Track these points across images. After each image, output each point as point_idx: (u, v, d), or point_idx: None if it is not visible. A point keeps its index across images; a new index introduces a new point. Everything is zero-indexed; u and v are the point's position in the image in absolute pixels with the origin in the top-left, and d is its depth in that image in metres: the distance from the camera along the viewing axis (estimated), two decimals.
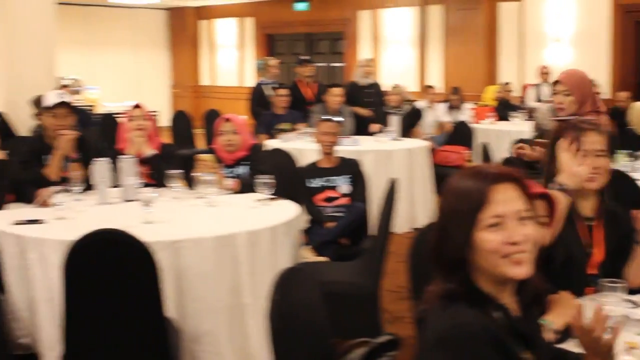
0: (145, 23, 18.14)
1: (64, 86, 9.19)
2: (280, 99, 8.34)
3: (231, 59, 17.38)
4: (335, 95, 8.14)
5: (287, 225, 4.05)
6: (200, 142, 10.16)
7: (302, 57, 9.73)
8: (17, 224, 3.90)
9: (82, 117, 7.64)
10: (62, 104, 4.81)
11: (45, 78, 8.48)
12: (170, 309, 3.47)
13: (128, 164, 4.52)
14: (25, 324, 3.84)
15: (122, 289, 3.16)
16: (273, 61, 9.68)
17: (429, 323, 1.87)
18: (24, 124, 7.78)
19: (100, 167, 4.45)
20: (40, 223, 3.92)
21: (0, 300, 3.95)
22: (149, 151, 4.91)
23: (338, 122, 5.83)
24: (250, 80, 16.69)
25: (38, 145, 4.86)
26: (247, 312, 3.75)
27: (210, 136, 9.51)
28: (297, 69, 9.36)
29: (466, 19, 12.89)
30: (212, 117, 10.17)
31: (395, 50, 14.05)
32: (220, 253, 3.69)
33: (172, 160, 4.92)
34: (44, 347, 3.74)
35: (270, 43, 16.89)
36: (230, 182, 4.78)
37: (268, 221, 3.98)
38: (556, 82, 4.50)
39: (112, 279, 3.15)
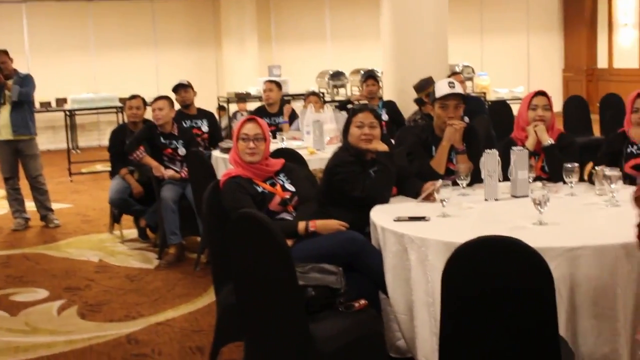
0: (537, 5, 17.53)
1: (455, 73, 8.96)
2: None
3: (630, 38, 16.06)
4: None
5: None
6: (597, 130, 9.36)
7: None
8: (399, 220, 3.66)
9: (475, 104, 7.32)
10: (453, 95, 4.49)
11: (438, 66, 8.32)
12: (561, 327, 2.97)
13: (520, 157, 4.06)
14: (404, 327, 3.60)
15: (509, 301, 2.73)
16: None
17: None
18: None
19: (490, 159, 4.06)
20: (424, 220, 3.63)
21: (379, 300, 3.77)
22: (546, 141, 4.41)
23: None
24: None
25: (425, 136, 4.59)
26: None
27: (605, 122, 8.71)
28: None
29: None
30: (610, 101, 9.34)
31: None
32: (625, 263, 3.10)
33: (569, 152, 4.38)
34: (420, 354, 3.47)
35: None
36: None
37: None
38: None
39: (498, 290, 2.73)
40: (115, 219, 7.15)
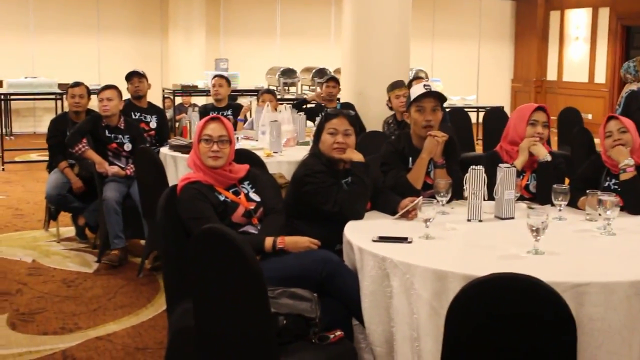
0: (491, 13, 17.41)
1: (418, 78, 8.65)
2: None
3: (581, 52, 16.04)
4: None
5: None
6: (554, 142, 9.15)
7: None
8: (378, 240, 3.29)
9: None
10: (429, 94, 4.14)
11: (399, 68, 8.01)
12: None
13: (508, 175, 3.74)
14: None
15: (525, 345, 2.41)
16: None
17: None
18: (376, 116, 7.37)
19: (475, 176, 3.73)
20: (406, 242, 3.27)
21: (352, 328, 3.40)
22: (545, 156, 4.12)
23: None
24: (602, 76, 15.33)
25: (401, 146, 4.22)
26: None
27: (573, 137, 8.47)
28: None
29: None
30: (568, 116, 9.15)
31: None
32: (635, 303, 2.78)
33: (557, 172, 4.09)
34: None
35: (628, 36, 15.33)
36: None
37: None
38: None
39: (513, 333, 2.41)
40: (52, 215, 6.59)
